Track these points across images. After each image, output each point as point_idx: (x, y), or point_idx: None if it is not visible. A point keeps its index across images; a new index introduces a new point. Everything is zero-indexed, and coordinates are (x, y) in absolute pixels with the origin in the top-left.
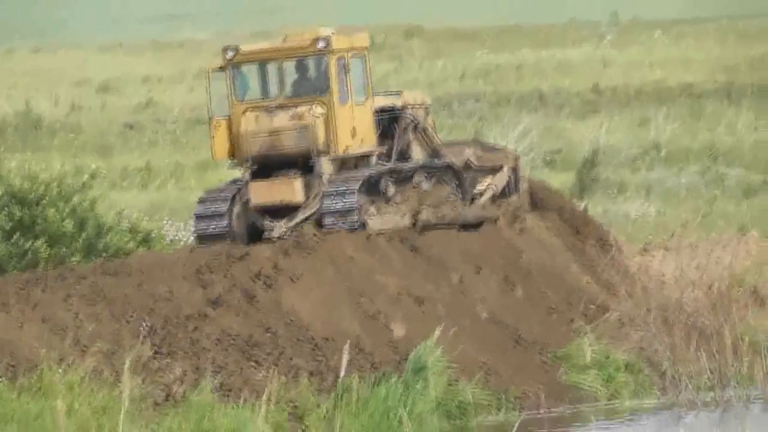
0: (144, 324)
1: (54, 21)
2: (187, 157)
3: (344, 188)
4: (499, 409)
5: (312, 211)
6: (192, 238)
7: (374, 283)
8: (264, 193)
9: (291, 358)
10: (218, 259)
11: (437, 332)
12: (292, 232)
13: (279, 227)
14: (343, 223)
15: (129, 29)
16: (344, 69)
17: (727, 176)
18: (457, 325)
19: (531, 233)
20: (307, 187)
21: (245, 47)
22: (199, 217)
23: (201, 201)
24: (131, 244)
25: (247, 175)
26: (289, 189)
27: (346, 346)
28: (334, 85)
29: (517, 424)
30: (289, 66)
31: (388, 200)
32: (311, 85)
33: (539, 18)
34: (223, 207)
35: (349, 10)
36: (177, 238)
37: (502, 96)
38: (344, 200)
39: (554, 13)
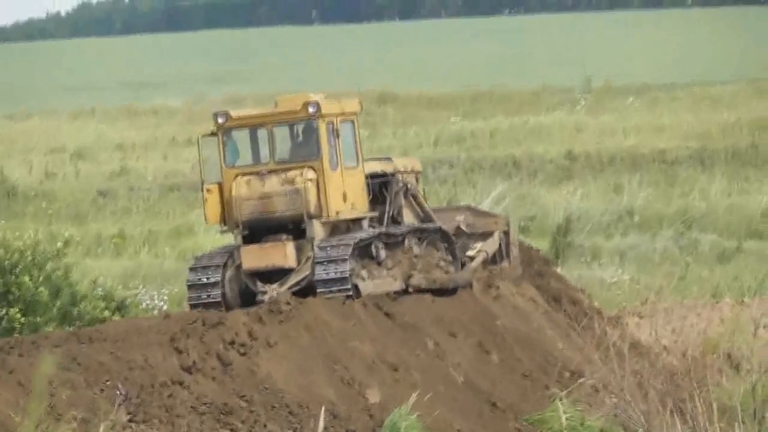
0: (119, 391)
1: (26, 88)
2: (161, 224)
3: (336, 255)
4: None
5: (304, 274)
6: (186, 304)
7: (349, 349)
8: (256, 257)
9: (266, 425)
10: (193, 326)
11: (413, 398)
12: (285, 293)
13: (271, 291)
14: (335, 290)
15: (101, 96)
16: (334, 134)
17: (701, 242)
18: (432, 390)
19: (505, 299)
20: (299, 251)
21: (236, 113)
22: (192, 287)
23: (192, 269)
24: (106, 312)
25: (239, 240)
26: (281, 253)
27: (322, 412)
28: (325, 150)
29: None
30: (280, 131)
31: (379, 264)
32: (302, 150)
33: (512, 84)
34: (216, 275)
35: (322, 77)
36: (152, 305)
37: (476, 162)
38: (336, 268)
39: (527, 79)
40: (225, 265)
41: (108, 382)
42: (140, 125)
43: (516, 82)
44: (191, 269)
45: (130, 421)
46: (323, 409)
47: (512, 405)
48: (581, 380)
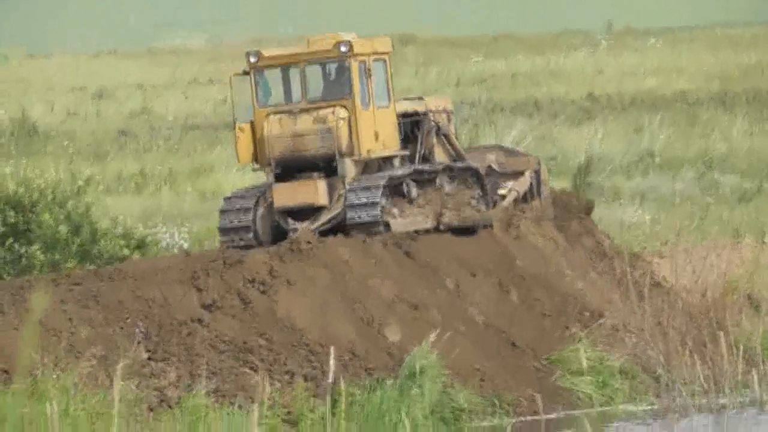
0: (138, 329)
1: (48, 28)
2: (182, 163)
3: (367, 187)
4: (493, 415)
5: (336, 212)
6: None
7: (369, 288)
8: (287, 195)
9: (285, 364)
10: (213, 265)
11: (432, 337)
12: (316, 233)
13: (303, 228)
14: (366, 219)
15: (123, 36)
16: (366, 73)
17: (722, 183)
18: (451, 330)
19: (525, 239)
20: (331, 190)
21: (268, 52)
22: (224, 230)
23: (223, 212)
24: (125, 251)
25: (271, 178)
26: (313, 191)
27: (332, 352)
28: (357, 89)
29: (509, 430)
30: (312, 70)
31: (410, 202)
32: (334, 89)
33: (533, 26)
34: (247, 218)
35: (343, 19)
36: (171, 243)
37: (497, 103)
38: (367, 198)
39: (549, 21)
40: (256, 205)
41: (128, 320)
42: (161, 64)
43: (537, 24)
44: (222, 212)
45: (149, 359)
46: (332, 348)
47: (531, 344)
48: (601, 320)
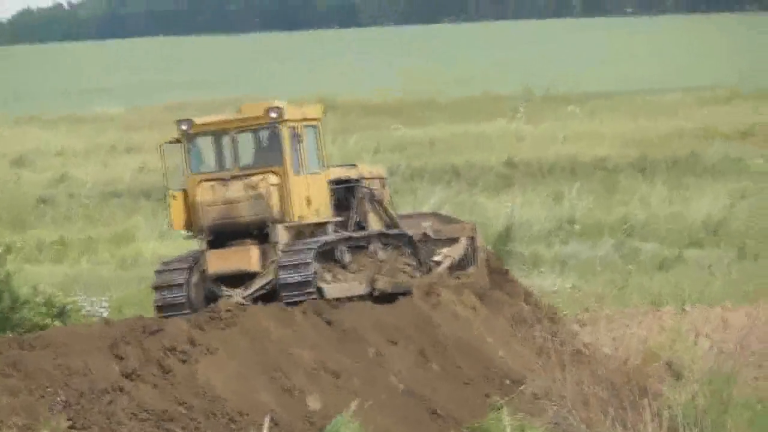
0: (59, 398)
1: None
2: (101, 231)
3: (300, 250)
4: None
5: (269, 277)
6: (155, 303)
7: (290, 356)
8: (220, 261)
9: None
10: (133, 333)
11: (353, 405)
12: (249, 300)
13: (236, 295)
14: (298, 279)
15: (42, 103)
16: (297, 139)
17: (642, 250)
18: (373, 398)
19: (446, 307)
20: (263, 256)
21: (199, 120)
22: (158, 288)
23: (158, 272)
24: (47, 319)
25: (204, 245)
26: (245, 257)
27: (266, 420)
28: (288, 155)
29: None
30: (243, 137)
31: (344, 267)
32: (265, 155)
33: (452, 92)
34: (181, 277)
35: (263, 84)
36: (92, 311)
37: (416, 170)
38: (300, 260)
39: (467, 88)
40: (190, 269)
41: (48, 389)
42: (81, 133)
43: (456, 90)
44: (157, 272)
45: (70, 428)
46: (268, 417)
47: (453, 413)
48: (522, 388)
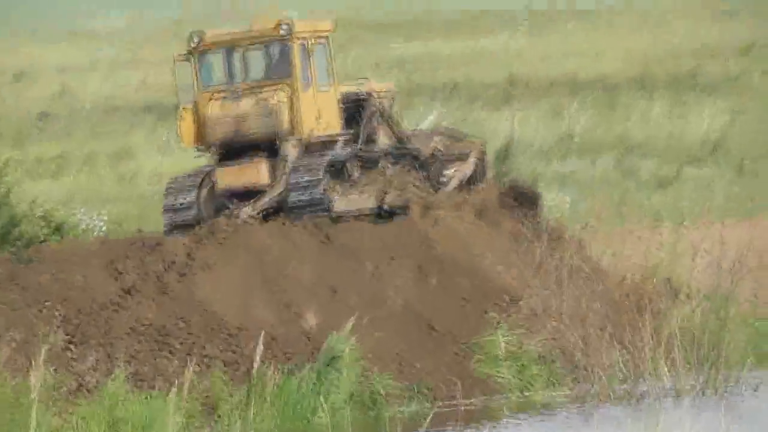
0: (58, 313)
1: None
2: (102, 146)
3: (309, 168)
4: (411, 400)
5: (278, 193)
6: (164, 226)
7: (288, 272)
8: (230, 176)
9: (204, 348)
10: (132, 249)
11: (350, 322)
12: (259, 213)
13: (246, 210)
14: (308, 199)
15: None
16: (307, 54)
17: (641, 167)
18: (370, 315)
19: (445, 224)
20: (273, 170)
21: (210, 33)
22: (167, 210)
23: (167, 192)
24: (45, 230)
25: (214, 160)
26: (255, 172)
27: (261, 337)
28: (298, 70)
29: (430, 416)
30: (254, 51)
31: (353, 183)
32: (275, 69)
33: (452, 8)
34: (190, 197)
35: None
36: (91, 226)
37: (416, 86)
38: (309, 178)
39: (467, 3)
40: (200, 186)
41: (47, 303)
42: (81, 46)
43: (456, 5)
44: (166, 192)
45: (68, 342)
46: (263, 333)
47: (451, 329)
48: (520, 304)
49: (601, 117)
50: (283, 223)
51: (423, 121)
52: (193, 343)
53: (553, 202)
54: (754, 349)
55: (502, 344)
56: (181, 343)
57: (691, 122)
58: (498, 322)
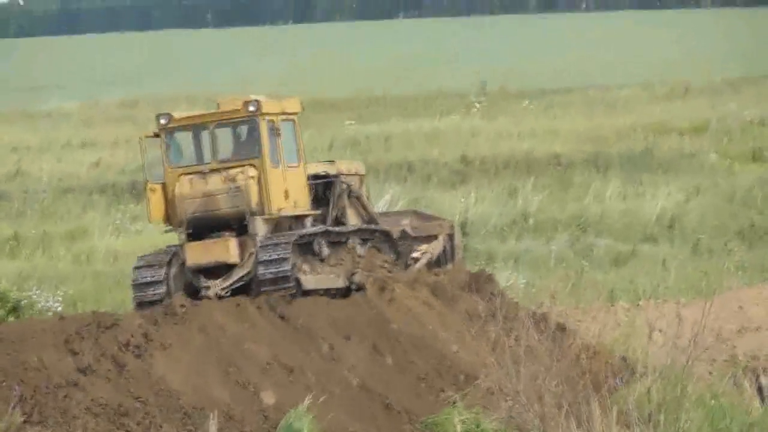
0: (14, 392)
1: None
2: (56, 226)
3: (277, 244)
4: None
5: (247, 269)
6: (133, 302)
7: (244, 351)
8: (199, 253)
9: (161, 426)
10: (88, 328)
11: (307, 400)
12: (229, 289)
13: (215, 286)
14: (276, 275)
15: None
16: (275, 132)
17: (596, 246)
18: (327, 393)
19: (400, 302)
20: (242, 248)
21: (178, 114)
22: (136, 285)
23: (136, 268)
24: (1, 312)
25: (183, 238)
26: (224, 249)
27: (213, 415)
28: (266, 147)
29: None
30: (222, 131)
31: (322, 261)
32: (243, 148)
33: (407, 88)
34: (159, 273)
35: (217, 80)
36: (46, 307)
37: (371, 166)
38: (278, 254)
39: (422, 84)
40: (169, 263)
41: (3, 383)
42: (35, 128)
43: (411, 86)
44: (135, 268)
45: (25, 422)
46: (215, 412)
47: (407, 408)
48: (476, 383)
49: (555, 196)
50: (238, 304)
51: (378, 200)
52: (151, 422)
53: (508, 281)
54: (710, 426)
55: (458, 423)
56: (138, 423)
57: (646, 200)
58: (454, 401)
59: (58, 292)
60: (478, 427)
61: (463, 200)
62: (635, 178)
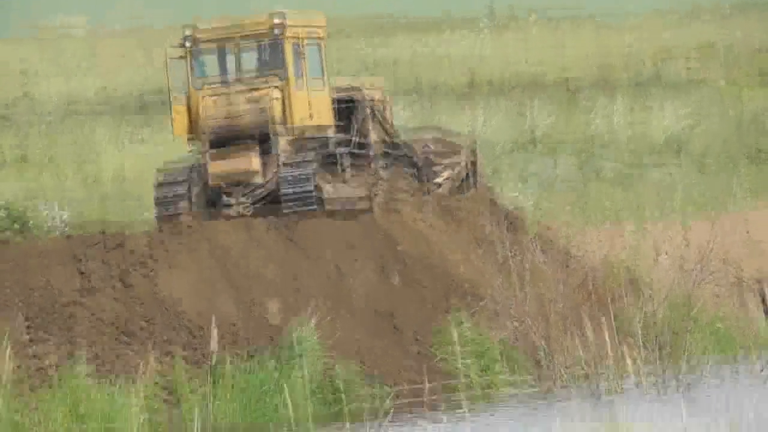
0: (21, 309)
1: None
2: (64, 148)
3: (301, 162)
4: (374, 397)
5: (270, 188)
6: (155, 217)
7: (251, 269)
8: (222, 165)
9: (168, 343)
10: (95, 246)
11: (314, 319)
12: (250, 209)
13: (238, 204)
14: (300, 193)
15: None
16: (300, 50)
17: (603, 167)
18: (333, 312)
19: (408, 223)
20: (265, 166)
21: (203, 27)
22: (159, 202)
23: (158, 185)
24: (7, 223)
25: (207, 157)
26: (247, 161)
27: (213, 322)
28: (290, 67)
29: (391, 411)
30: (247, 47)
31: (344, 180)
32: (268, 66)
33: (414, 11)
34: (182, 188)
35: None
36: (53, 226)
37: None
38: (301, 173)
39: (429, 6)
40: (191, 178)
41: (11, 300)
42: (42, 49)
43: (418, 8)
44: (157, 185)
45: (30, 341)
46: (213, 318)
47: (413, 327)
48: (482, 303)
49: (563, 117)
50: (245, 224)
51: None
52: (156, 337)
53: (516, 201)
54: (716, 347)
55: (465, 342)
56: (145, 338)
57: (653, 124)
58: (461, 321)
59: (66, 210)
60: (483, 346)
61: (470, 123)
62: (643, 102)
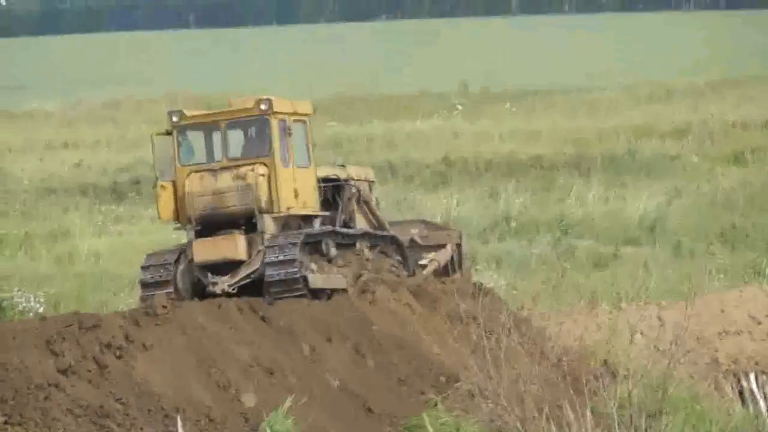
0: None
1: None
2: (38, 226)
3: (286, 244)
4: None
5: (254, 268)
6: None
7: (225, 353)
8: (207, 250)
9: (142, 428)
10: (69, 329)
11: (287, 402)
12: (234, 288)
13: (222, 283)
14: (284, 276)
15: None
16: (286, 132)
17: (578, 248)
18: (307, 395)
19: (382, 304)
20: (250, 245)
21: (190, 112)
22: (144, 285)
23: (144, 268)
24: None
25: (192, 235)
26: (233, 245)
27: (179, 419)
28: (276, 146)
29: None
30: (233, 129)
31: (329, 261)
32: (254, 146)
33: (389, 90)
34: (167, 273)
35: (197, 81)
36: (28, 307)
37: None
38: (285, 255)
39: (404, 85)
40: (177, 261)
41: None
42: (17, 128)
43: (393, 87)
44: (143, 267)
45: (5, 423)
46: (179, 417)
47: (388, 410)
48: (457, 385)
49: (537, 198)
50: (219, 305)
51: None
52: (132, 423)
53: (490, 283)
54: (692, 430)
55: (438, 425)
56: (119, 424)
57: (628, 202)
58: (435, 403)
59: (40, 292)
60: (458, 430)
61: (445, 201)
62: (617, 181)
